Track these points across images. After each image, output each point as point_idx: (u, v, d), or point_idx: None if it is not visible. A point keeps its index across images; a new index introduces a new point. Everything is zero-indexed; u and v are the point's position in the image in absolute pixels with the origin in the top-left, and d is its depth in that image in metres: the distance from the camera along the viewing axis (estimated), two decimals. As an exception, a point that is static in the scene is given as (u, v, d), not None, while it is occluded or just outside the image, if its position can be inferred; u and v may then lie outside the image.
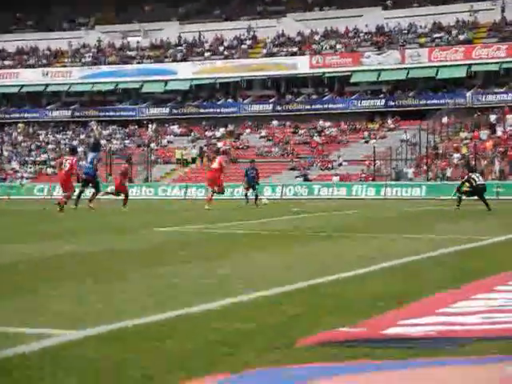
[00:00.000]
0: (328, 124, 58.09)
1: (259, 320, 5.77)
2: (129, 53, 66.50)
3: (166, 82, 63.18)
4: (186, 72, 62.72)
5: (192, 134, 60.56)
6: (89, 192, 27.26)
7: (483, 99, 55.40)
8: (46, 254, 10.87)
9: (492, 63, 55.49)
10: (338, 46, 60.78)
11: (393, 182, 46.90)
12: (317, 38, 62.51)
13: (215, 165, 27.94)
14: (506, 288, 7.34)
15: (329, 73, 59.93)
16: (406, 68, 57.50)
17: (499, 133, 51.80)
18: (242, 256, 10.66)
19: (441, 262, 9.72)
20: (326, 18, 63.31)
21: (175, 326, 5.58)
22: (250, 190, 32.19)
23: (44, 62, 67.56)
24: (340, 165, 52.00)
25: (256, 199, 31.00)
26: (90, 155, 27.37)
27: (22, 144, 63.23)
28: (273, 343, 4.99)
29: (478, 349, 4.82)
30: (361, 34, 61.45)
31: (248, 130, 60.07)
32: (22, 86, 65.98)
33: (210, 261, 9.95)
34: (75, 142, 60.65)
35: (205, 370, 4.32)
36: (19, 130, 64.95)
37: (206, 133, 60.31)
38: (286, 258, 10.40)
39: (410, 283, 7.78)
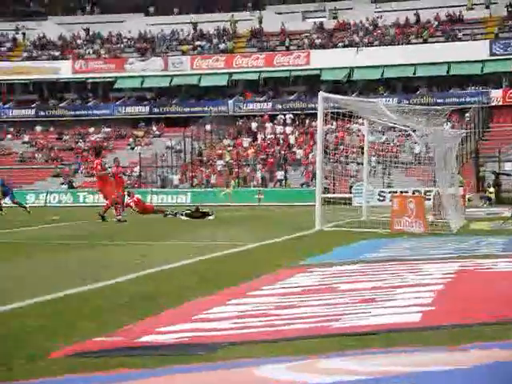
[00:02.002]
0: (92, 130, 57.52)
1: (11, 333, 5.63)
2: None
3: None
4: None
5: None
6: None
7: (244, 107, 57.02)
8: None
9: (252, 72, 57.24)
10: (102, 52, 60.35)
11: (158, 189, 47.16)
12: (80, 42, 61.72)
13: None
14: (258, 293, 7.61)
15: (92, 78, 59.38)
16: (169, 75, 58.09)
17: (260, 140, 53.51)
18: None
19: (199, 269, 9.91)
20: (89, 22, 62.68)
21: None
22: None
23: None
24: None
25: None
26: None
27: None
28: (27, 356, 4.89)
29: (229, 353, 4.97)
30: (124, 40, 61.36)
31: (10, 136, 58.24)
32: None
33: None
34: None
35: None
36: None
37: None
38: (37, 267, 10.21)
39: (166, 289, 7.87)
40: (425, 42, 55.21)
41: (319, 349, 5.02)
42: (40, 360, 4.81)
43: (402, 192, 32.88)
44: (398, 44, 55.40)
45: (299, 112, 54.83)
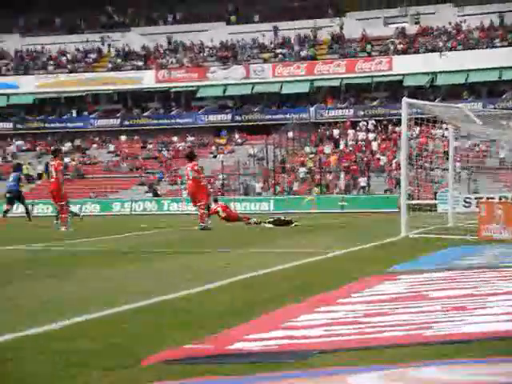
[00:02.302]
0: (175, 138, 58.15)
1: (104, 339, 5.69)
2: (-34, 66, 64.42)
3: (8, 95, 61.54)
4: (29, 86, 61.34)
5: (37, 149, 59.22)
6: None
7: (326, 114, 56.88)
8: None
9: (333, 79, 57.06)
10: (184, 61, 61.01)
11: (241, 197, 47.37)
12: (162, 52, 62.54)
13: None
14: (347, 300, 7.55)
15: (175, 87, 60.04)
16: (251, 83, 58.35)
17: (342, 147, 53.28)
18: (86, 274, 10.48)
19: (286, 276, 9.88)
20: (171, 32, 63.45)
21: (15, 348, 5.43)
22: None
23: None
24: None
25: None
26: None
27: None
28: (119, 362, 4.94)
29: (320, 361, 4.93)
30: (206, 49, 61.93)
31: (95, 145, 59.32)
32: None
33: (55, 279, 9.74)
34: None
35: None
36: None
37: (52, 148, 59.01)
38: (133, 275, 10.31)
39: (255, 297, 7.87)
40: (510, 45, 54.20)
41: (411, 357, 4.94)
42: (131, 367, 4.85)
43: (488, 198, 32.29)
44: (483, 48, 54.52)
45: (381, 118, 54.46)
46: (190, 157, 23.05)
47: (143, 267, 11.48)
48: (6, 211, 27.97)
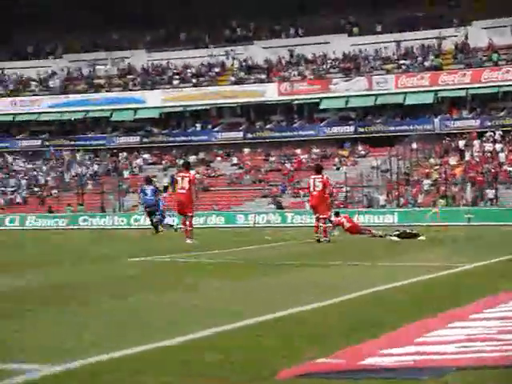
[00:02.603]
0: (298, 151, 58.27)
1: (237, 351, 5.69)
2: (97, 81, 66.37)
3: (135, 110, 63.11)
4: (155, 100, 62.73)
5: (163, 162, 60.44)
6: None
7: (451, 125, 55.88)
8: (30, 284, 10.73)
9: (458, 89, 56.03)
10: (307, 73, 61.12)
11: (365, 209, 47.00)
12: (285, 64, 62.85)
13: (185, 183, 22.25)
14: (481, 316, 7.32)
15: (298, 99, 60.20)
16: (373, 95, 57.92)
17: (468, 158, 52.19)
18: (214, 286, 10.56)
19: (415, 291, 9.69)
20: (293, 45, 63.70)
21: (150, 359, 5.48)
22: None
23: (12, 90, 67.22)
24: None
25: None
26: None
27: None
28: (254, 375, 4.92)
29: (457, 378, 4.78)
30: (328, 61, 61.88)
31: (219, 158, 60.09)
32: (-9, 115, 65.63)
33: (183, 291, 9.85)
34: (44, 170, 60.50)
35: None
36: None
37: (177, 161, 60.20)
38: (261, 287, 10.32)
39: (385, 312, 7.74)
40: None
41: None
42: (266, 381, 4.81)
43: None
44: None
45: (509, 128, 53.10)
46: (318, 169, 22.98)
47: (270, 279, 11.48)
48: (156, 224, 28.98)
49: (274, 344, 6.01)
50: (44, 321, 7.46)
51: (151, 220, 29.71)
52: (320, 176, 22.28)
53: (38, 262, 15.88)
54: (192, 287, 10.32)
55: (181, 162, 59.35)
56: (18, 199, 57.85)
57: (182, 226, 22.86)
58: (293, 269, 13.33)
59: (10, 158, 64.38)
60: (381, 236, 24.75)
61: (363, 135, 57.73)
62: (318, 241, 21.22)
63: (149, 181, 31.17)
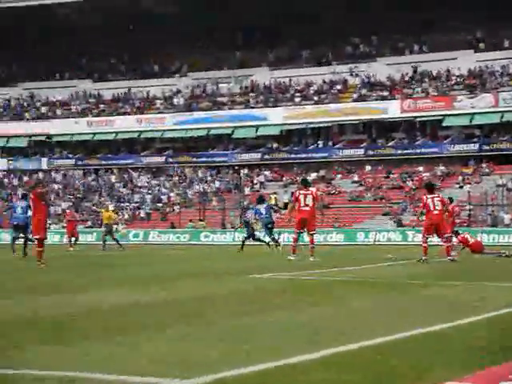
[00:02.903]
0: (421, 168, 57.48)
1: (362, 370, 5.60)
2: (220, 99, 67.34)
3: (256, 127, 63.65)
4: (277, 117, 63.09)
5: (283, 179, 60.70)
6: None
7: None
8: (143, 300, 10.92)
9: None
10: (430, 90, 60.29)
11: (489, 228, 45.89)
12: (408, 81, 62.18)
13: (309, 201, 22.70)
14: None
15: (420, 117, 59.44)
16: (499, 111, 56.56)
17: None
18: (339, 304, 10.46)
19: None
20: (417, 61, 62.95)
21: (277, 377, 5.44)
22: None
23: (138, 108, 68.97)
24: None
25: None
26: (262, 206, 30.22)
27: (118, 190, 64.43)
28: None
29: None
30: (453, 77, 60.86)
31: (339, 175, 59.90)
32: (118, 132, 67.45)
33: (307, 308, 9.79)
34: (167, 186, 61.70)
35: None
36: (114, 177, 66.26)
37: (298, 178, 60.31)
38: (385, 307, 10.16)
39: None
40: None
41: None
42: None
43: None
44: None
45: None
46: (429, 188, 22.76)
47: (393, 298, 11.30)
48: (276, 241, 29.50)
49: (400, 363, 5.89)
50: (172, 335, 7.56)
51: (272, 237, 30.20)
52: (437, 195, 22.31)
53: (160, 277, 16.16)
54: (313, 304, 10.25)
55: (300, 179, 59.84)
56: (142, 214, 59.15)
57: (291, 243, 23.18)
58: (417, 287, 13.09)
59: (134, 174, 65.95)
60: (508, 256, 24.05)
61: (488, 153, 56.42)
62: (453, 260, 20.99)
63: (261, 200, 31.49)
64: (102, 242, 36.38)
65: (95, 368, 5.75)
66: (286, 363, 5.90)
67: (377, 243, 45.35)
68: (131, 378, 5.43)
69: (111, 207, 55.83)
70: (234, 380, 5.37)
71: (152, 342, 7.05)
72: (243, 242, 31.28)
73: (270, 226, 30.24)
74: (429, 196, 22.00)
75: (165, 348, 6.74)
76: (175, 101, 68.43)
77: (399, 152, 59.54)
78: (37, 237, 20.55)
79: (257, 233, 32.32)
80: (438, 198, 22.05)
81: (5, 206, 60.72)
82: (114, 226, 39.37)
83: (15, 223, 28.11)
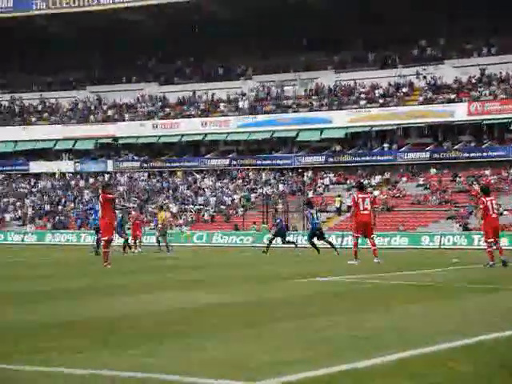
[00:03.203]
0: (487, 172, 56.65)
1: (426, 377, 5.51)
2: (285, 102, 67.33)
3: (321, 130, 63.47)
4: (342, 120, 62.82)
5: (348, 182, 60.40)
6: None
7: None
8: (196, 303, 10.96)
9: None
10: (498, 92, 59.38)
11: (557, 233, 45.03)
12: (475, 84, 61.33)
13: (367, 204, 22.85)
14: None
15: (488, 119, 58.58)
16: None
17: None
18: (400, 308, 10.34)
19: None
20: (485, 64, 62.04)
21: (341, 382, 5.40)
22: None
23: (203, 111, 69.36)
24: (501, 214, 50.38)
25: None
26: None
27: (182, 192, 64.87)
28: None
29: None
30: (522, 80, 59.92)
31: (404, 179, 59.37)
32: (182, 135, 67.95)
33: (366, 313, 9.69)
34: (230, 188, 61.90)
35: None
36: (178, 179, 66.73)
37: (362, 181, 59.90)
38: (449, 312, 10.00)
39: None
40: None
41: None
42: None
43: None
44: None
45: None
46: (485, 191, 22.23)
47: (455, 304, 11.13)
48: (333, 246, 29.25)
49: (465, 370, 5.78)
50: (236, 337, 7.57)
51: (327, 240, 29.90)
52: (493, 198, 21.88)
53: (224, 278, 16.22)
54: (373, 309, 10.15)
55: (364, 181, 59.46)
56: (206, 216, 59.43)
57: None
58: (482, 292, 12.88)
59: (198, 176, 66.33)
60: None
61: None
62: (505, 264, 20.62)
63: (310, 204, 31.31)
64: (157, 244, 36.78)
65: (158, 369, 5.77)
66: (351, 368, 5.84)
67: (442, 247, 44.82)
68: (195, 380, 5.42)
69: (174, 209, 56.17)
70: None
71: (217, 344, 7.06)
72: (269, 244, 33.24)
73: (318, 232, 29.16)
74: (487, 199, 21.66)
75: (229, 350, 6.73)
76: (240, 104, 68.63)
77: (465, 155, 58.76)
78: (105, 238, 21.02)
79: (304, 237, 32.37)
80: (495, 201, 21.77)
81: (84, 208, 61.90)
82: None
83: (97, 225, 28.27)
